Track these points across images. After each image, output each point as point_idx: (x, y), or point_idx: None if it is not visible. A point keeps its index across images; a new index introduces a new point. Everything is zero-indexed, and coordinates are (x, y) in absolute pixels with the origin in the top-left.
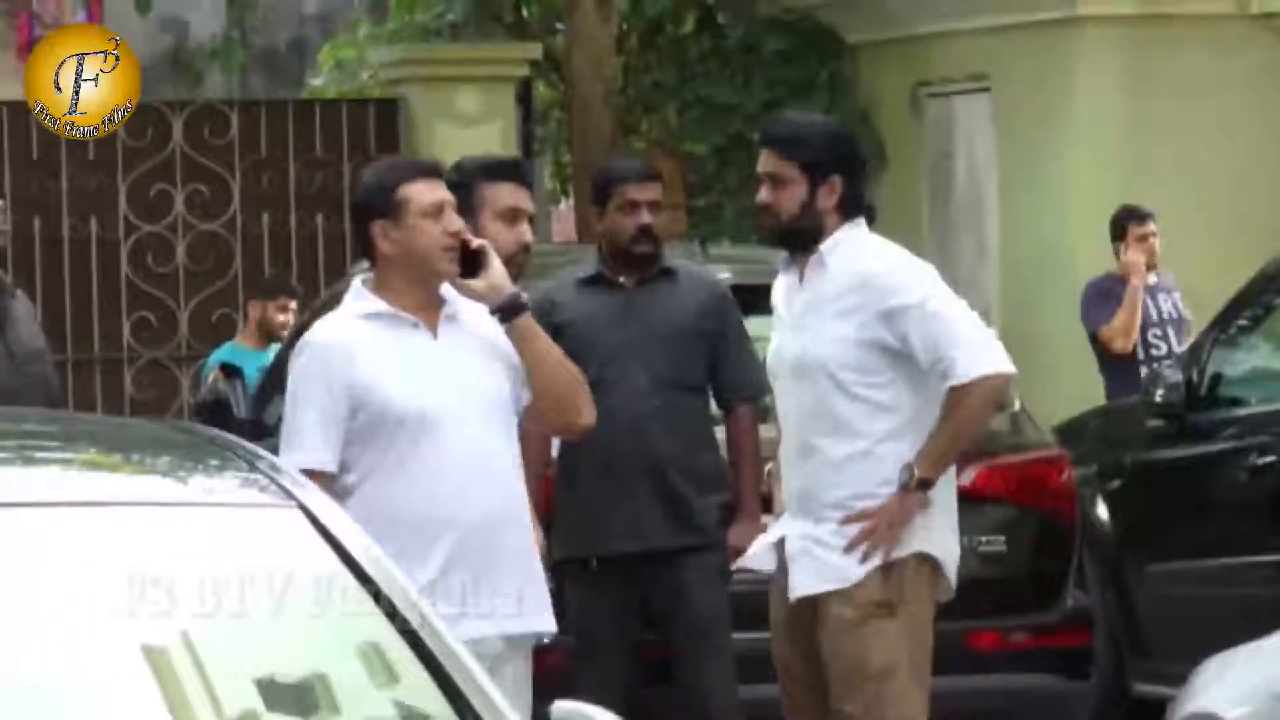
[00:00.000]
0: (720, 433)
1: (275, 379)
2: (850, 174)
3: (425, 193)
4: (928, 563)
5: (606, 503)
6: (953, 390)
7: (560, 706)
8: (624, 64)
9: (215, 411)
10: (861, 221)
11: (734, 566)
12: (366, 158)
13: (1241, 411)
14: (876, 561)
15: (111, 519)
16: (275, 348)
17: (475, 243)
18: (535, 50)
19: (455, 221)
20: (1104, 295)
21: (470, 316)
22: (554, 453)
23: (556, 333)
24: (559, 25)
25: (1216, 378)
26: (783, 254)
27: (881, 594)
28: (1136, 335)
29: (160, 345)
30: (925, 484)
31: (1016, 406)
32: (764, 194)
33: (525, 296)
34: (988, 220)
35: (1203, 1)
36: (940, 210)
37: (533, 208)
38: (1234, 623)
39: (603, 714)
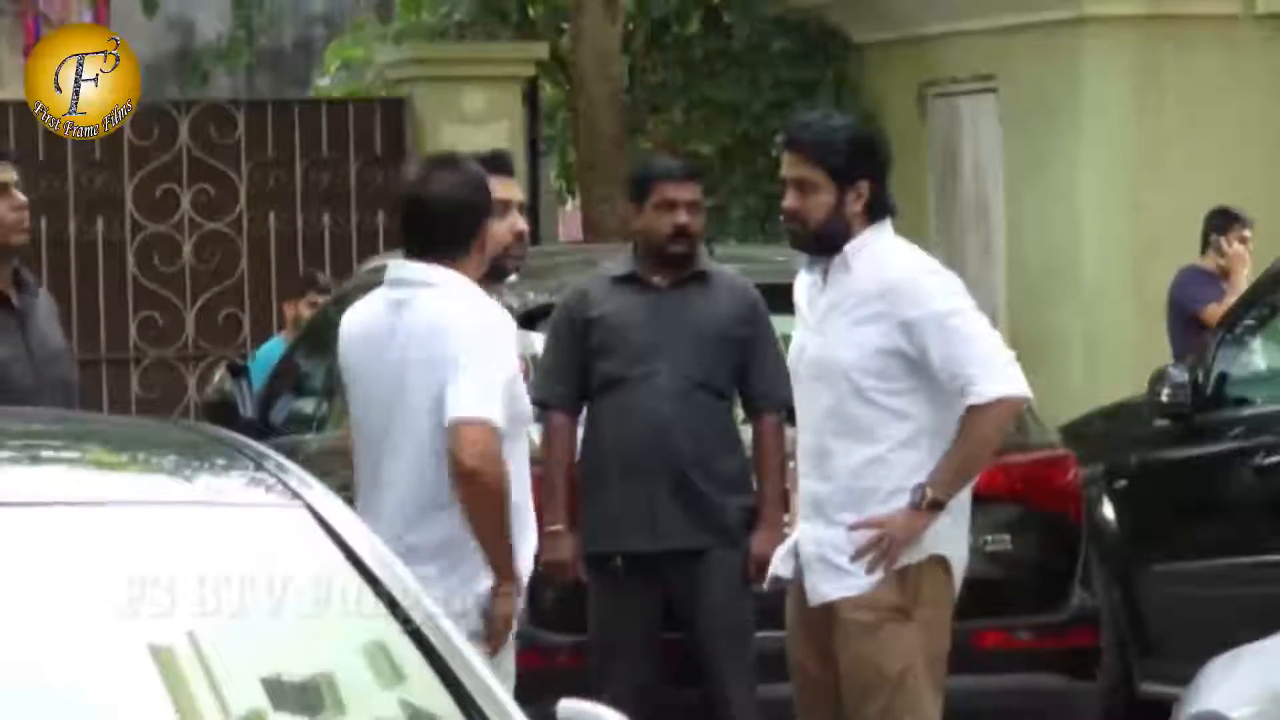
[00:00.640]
0: (746, 437)
1: (281, 378)
2: (876, 178)
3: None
4: (941, 565)
5: (627, 501)
6: (969, 410)
7: (567, 705)
8: (630, 64)
9: (221, 411)
10: (887, 223)
11: (767, 578)
12: (372, 158)
13: (1248, 411)
14: (880, 574)
15: (118, 518)
16: None
17: None
18: (541, 50)
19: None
20: (1209, 278)
21: None
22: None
23: (588, 326)
24: (565, 25)
25: (1223, 378)
26: (795, 255)
27: (898, 598)
28: None
29: (167, 345)
30: (936, 505)
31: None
32: (791, 199)
33: None
34: (994, 220)
35: (1210, 1)
36: (946, 210)
37: (522, 195)
38: (1240, 623)
39: (610, 713)
